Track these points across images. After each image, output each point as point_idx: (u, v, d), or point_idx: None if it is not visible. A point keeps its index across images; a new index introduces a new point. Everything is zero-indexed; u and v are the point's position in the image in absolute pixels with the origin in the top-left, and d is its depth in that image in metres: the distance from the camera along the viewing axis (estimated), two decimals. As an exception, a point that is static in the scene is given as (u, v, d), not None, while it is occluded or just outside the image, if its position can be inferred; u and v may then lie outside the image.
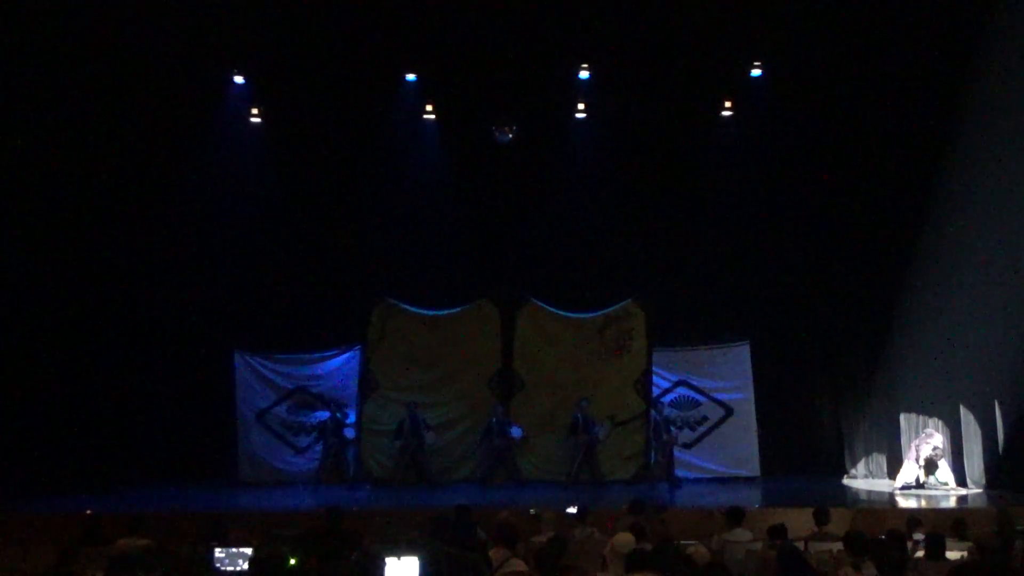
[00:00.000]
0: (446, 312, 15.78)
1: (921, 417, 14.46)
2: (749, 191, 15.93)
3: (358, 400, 15.45)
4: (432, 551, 5.60)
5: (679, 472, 14.95)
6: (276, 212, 15.93)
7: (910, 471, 13.84)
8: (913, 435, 14.22)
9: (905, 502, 13.03)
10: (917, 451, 13.86)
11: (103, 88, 14.11)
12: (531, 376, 15.60)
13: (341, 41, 14.49)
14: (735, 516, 8.82)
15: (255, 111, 15.70)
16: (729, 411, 15.61)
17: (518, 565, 6.37)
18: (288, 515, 11.72)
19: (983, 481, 13.61)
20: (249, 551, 6.34)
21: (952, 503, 12.85)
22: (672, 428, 15.37)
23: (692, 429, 15.67)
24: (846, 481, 15.38)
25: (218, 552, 6.68)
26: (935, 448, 13.75)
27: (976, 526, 8.92)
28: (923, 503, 12.91)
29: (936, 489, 13.64)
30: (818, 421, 16.14)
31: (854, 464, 15.67)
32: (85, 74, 13.78)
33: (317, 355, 15.74)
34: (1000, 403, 13.26)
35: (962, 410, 13.92)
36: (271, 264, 15.89)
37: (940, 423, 14.18)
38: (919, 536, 8.34)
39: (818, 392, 16.20)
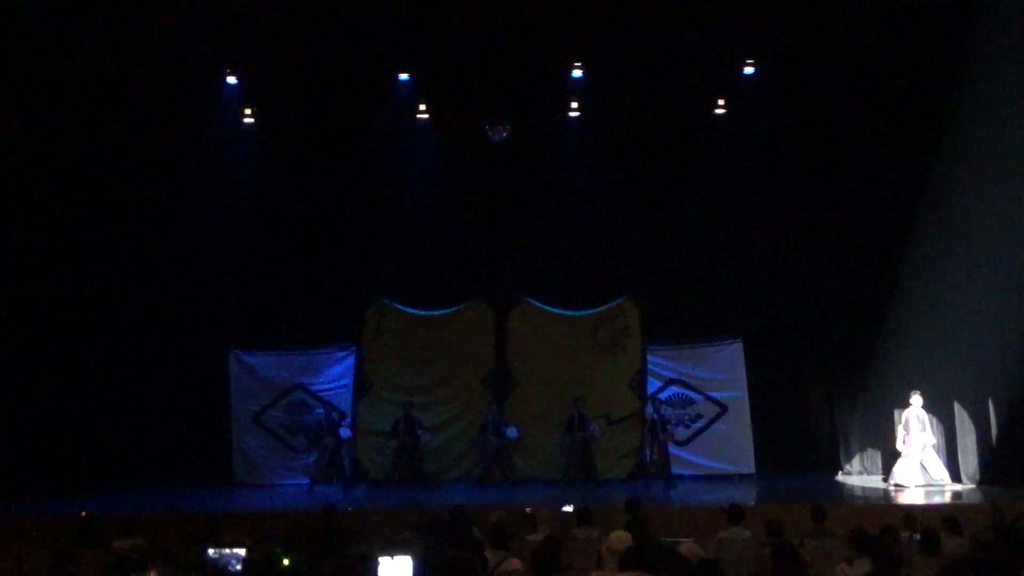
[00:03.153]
0: (440, 312, 15.79)
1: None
2: (742, 189, 15.95)
3: (353, 400, 15.46)
4: (426, 551, 5.59)
5: (674, 469, 14.97)
6: (269, 212, 15.92)
7: (904, 467, 13.86)
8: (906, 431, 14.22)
9: (900, 498, 13.06)
10: (906, 421, 13.89)
11: (96, 89, 14.08)
12: (525, 375, 15.62)
13: (334, 41, 14.46)
14: (735, 514, 8.81)
15: (248, 111, 15.69)
16: (723, 408, 15.64)
17: (515, 564, 6.36)
18: (283, 515, 11.71)
19: (977, 476, 13.65)
20: (243, 552, 6.32)
21: (946, 498, 12.88)
22: (667, 426, 15.39)
23: (686, 427, 15.69)
24: (841, 477, 15.41)
25: (212, 552, 6.66)
26: (911, 398, 13.83)
27: (970, 521, 8.93)
28: (918, 499, 12.93)
29: (931, 484, 13.68)
30: (812, 418, 16.17)
31: (849, 460, 15.71)
32: (78, 75, 13.74)
33: (312, 353, 15.74)
34: (993, 399, 13.29)
35: (956, 406, 13.95)
36: (265, 264, 15.87)
37: (935, 419, 14.20)
38: (914, 532, 8.35)
39: (812, 389, 16.22)
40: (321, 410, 15.38)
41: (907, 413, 13.96)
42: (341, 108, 15.45)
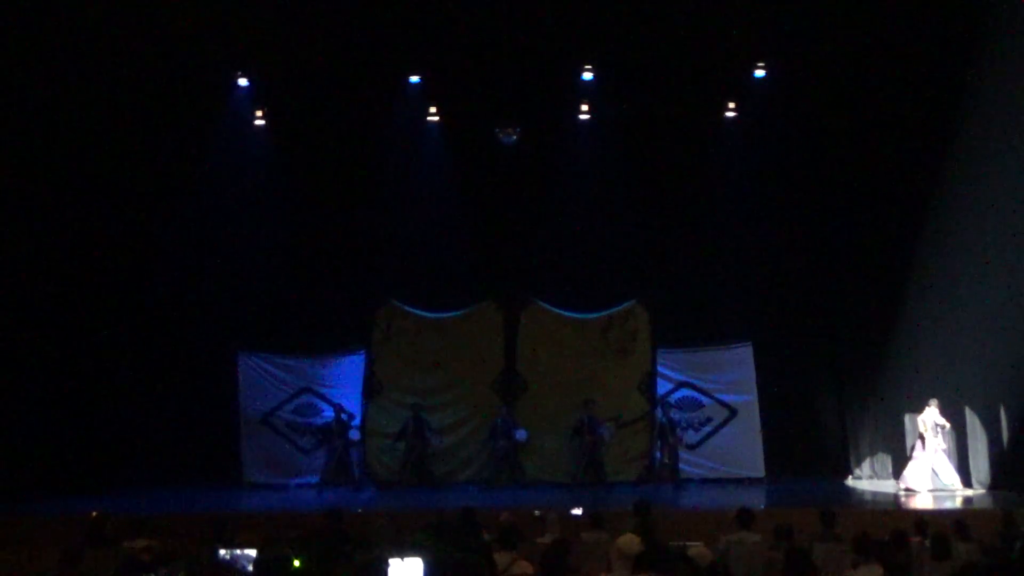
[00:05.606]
0: (450, 314, 15.80)
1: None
2: (753, 192, 15.92)
3: (362, 402, 15.49)
4: (436, 553, 5.59)
5: (682, 467, 14.94)
6: (280, 214, 15.96)
7: (916, 471, 13.81)
8: (917, 436, 14.16)
9: (910, 503, 13.01)
10: (923, 424, 13.81)
11: (108, 90, 14.14)
12: (535, 377, 15.61)
13: (345, 43, 14.50)
14: (744, 518, 8.79)
15: (259, 113, 15.74)
16: (733, 412, 15.60)
17: (524, 567, 6.36)
18: (293, 517, 11.73)
19: (988, 482, 13.59)
20: (253, 553, 6.34)
21: (957, 504, 12.84)
22: (677, 429, 15.38)
23: (696, 430, 15.67)
24: (851, 482, 15.37)
25: (223, 553, 6.68)
26: (928, 406, 13.76)
27: (981, 527, 8.91)
28: (928, 504, 12.88)
29: (942, 490, 13.62)
30: (822, 422, 16.12)
31: (859, 465, 15.66)
32: (90, 77, 13.80)
33: (322, 356, 15.78)
34: (1004, 404, 13.23)
35: (967, 412, 13.89)
36: (276, 266, 15.93)
37: (947, 424, 14.14)
38: (925, 537, 8.33)
39: (822, 393, 16.17)
40: (331, 412, 15.40)
41: (925, 419, 13.85)
42: (351, 110, 15.47)
